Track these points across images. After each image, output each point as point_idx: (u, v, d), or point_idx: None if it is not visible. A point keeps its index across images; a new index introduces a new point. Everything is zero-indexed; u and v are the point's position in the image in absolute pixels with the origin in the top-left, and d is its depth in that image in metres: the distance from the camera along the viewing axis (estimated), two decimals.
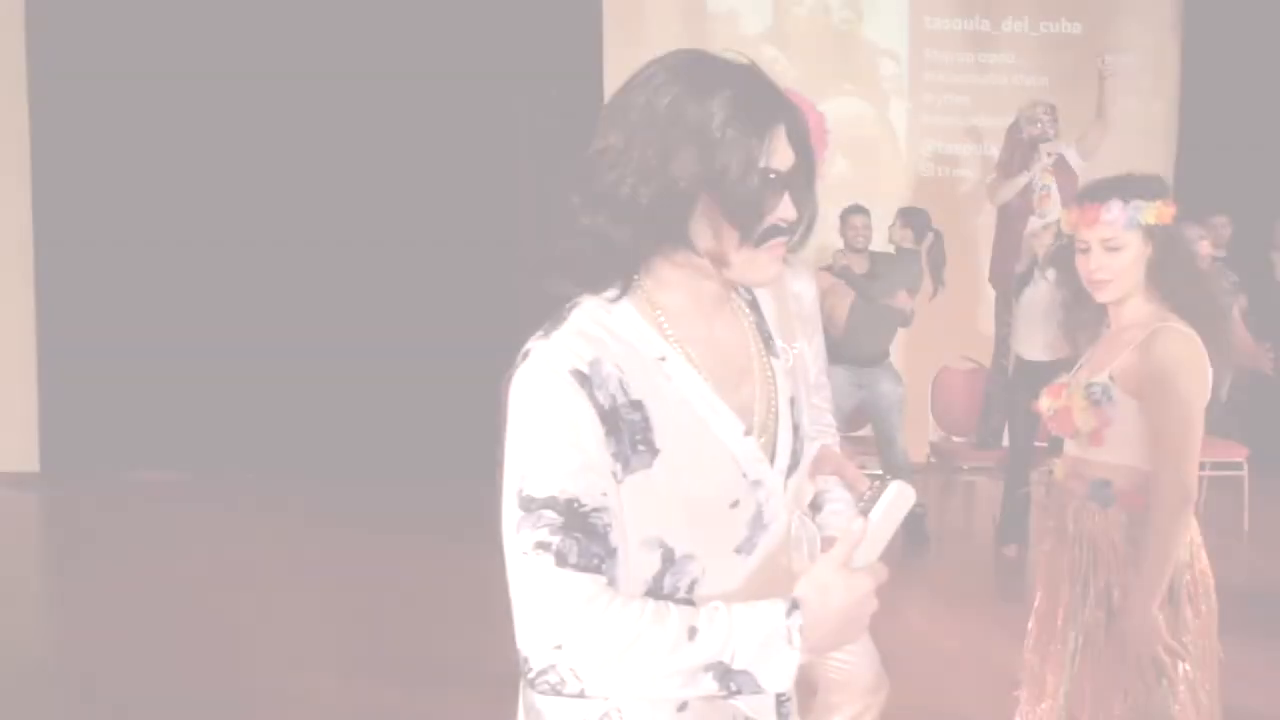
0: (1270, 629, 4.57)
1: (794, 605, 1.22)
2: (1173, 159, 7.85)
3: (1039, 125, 6.33)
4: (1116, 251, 2.39)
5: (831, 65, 7.81)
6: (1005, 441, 6.11)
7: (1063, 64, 7.85)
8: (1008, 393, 5.99)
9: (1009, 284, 6.22)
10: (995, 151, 7.42)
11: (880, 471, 6.07)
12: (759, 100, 1.27)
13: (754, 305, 1.47)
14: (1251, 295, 6.93)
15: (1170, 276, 2.41)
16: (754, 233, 1.27)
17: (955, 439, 6.49)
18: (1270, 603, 4.91)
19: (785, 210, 1.29)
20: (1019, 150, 6.43)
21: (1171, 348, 2.32)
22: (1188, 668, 2.29)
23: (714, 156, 1.23)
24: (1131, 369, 2.37)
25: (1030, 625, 2.58)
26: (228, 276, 7.32)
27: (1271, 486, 6.74)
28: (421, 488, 6.85)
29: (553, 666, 1.20)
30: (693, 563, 1.30)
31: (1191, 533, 2.36)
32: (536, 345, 1.27)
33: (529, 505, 1.21)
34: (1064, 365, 2.69)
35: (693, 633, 1.20)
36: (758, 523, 1.33)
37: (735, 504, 1.31)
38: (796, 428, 1.42)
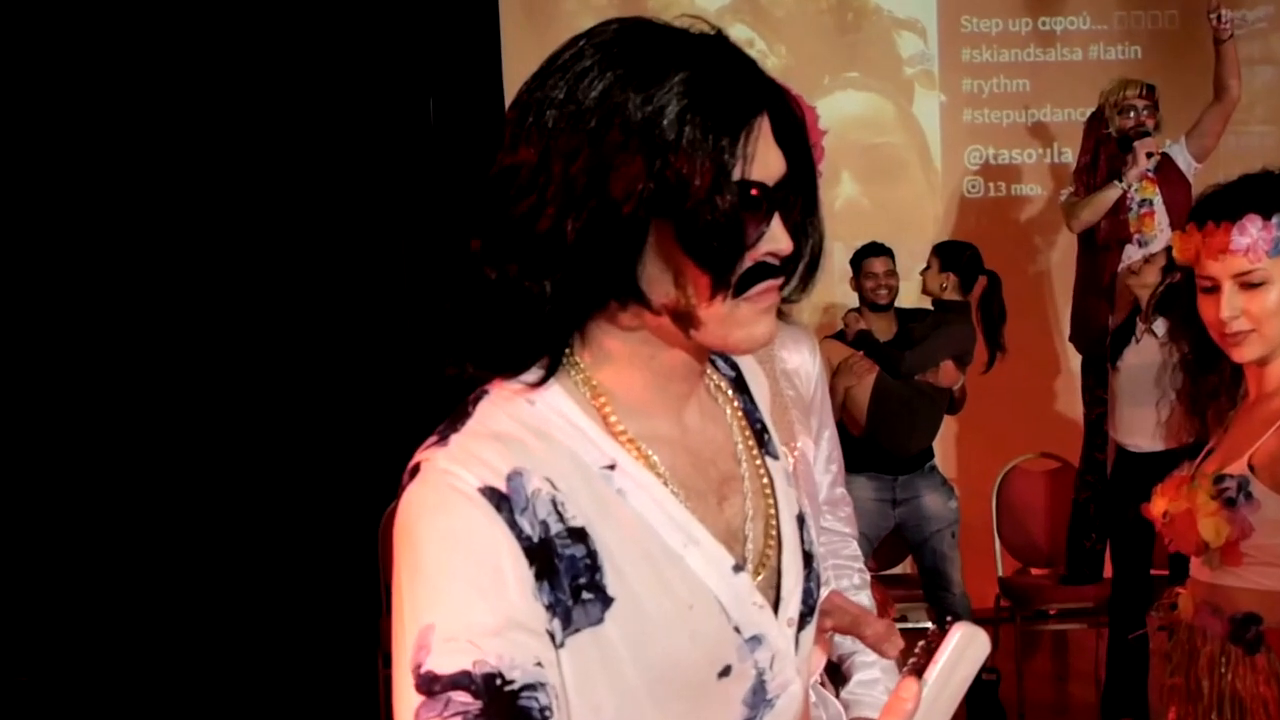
0: None
1: None
2: None
3: (1133, 115, 6.39)
4: (1257, 289, 2.42)
5: (828, 45, 7.98)
6: (1107, 572, 6.15)
7: (1160, 26, 8.03)
8: (1107, 501, 6.04)
9: (1100, 344, 6.29)
10: (1070, 156, 7.56)
11: (928, 624, 6.09)
12: (730, 82, 1.26)
13: (739, 385, 1.49)
14: None
15: None
16: (732, 275, 1.25)
17: (1034, 573, 6.51)
18: None
19: (776, 240, 1.28)
20: (1105, 151, 6.51)
21: None
22: None
23: (668, 167, 1.22)
24: (1278, 454, 2.42)
25: None
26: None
27: None
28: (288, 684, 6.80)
29: None
30: None
31: None
32: (429, 455, 1.26)
33: (431, 686, 1.18)
34: (1184, 455, 2.71)
35: None
36: (759, 698, 1.32)
37: (726, 671, 1.29)
38: (809, 558, 1.43)
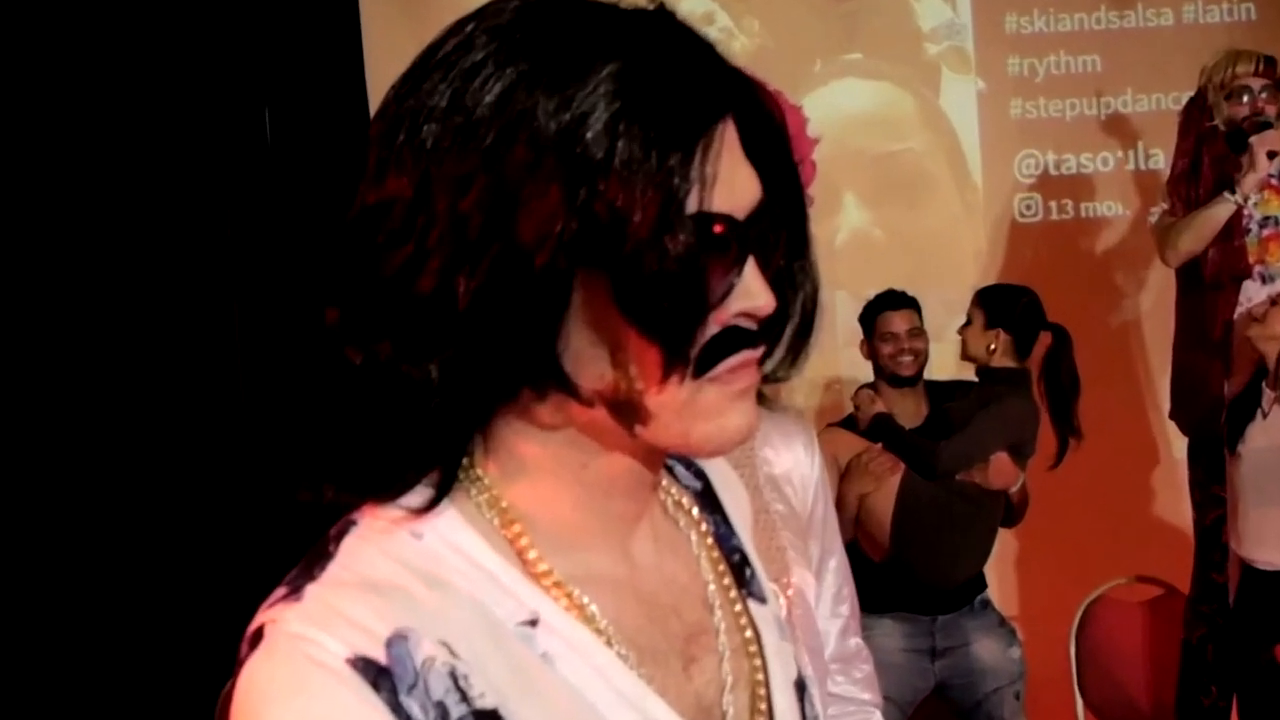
0: None
1: None
2: None
3: (1247, 100, 6.46)
4: None
5: (819, 18, 8.06)
6: None
7: None
8: (1230, 639, 6.05)
9: (1215, 420, 6.32)
10: (1162, 160, 7.63)
11: None
12: (679, 79, 1.22)
13: (708, 501, 1.49)
14: None
15: None
16: (690, 346, 1.22)
17: None
18: None
19: (751, 295, 1.25)
20: (1210, 153, 6.56)
21: None
22: None
23: (596, 198, 1.17)
24: None
25: None
26: None
27: None
28: None
29: None
30: None
31: None
32: (277, 617, 1.23)
33: None
34: None
35: None
36: None
37: None
38: None
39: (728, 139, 1.23)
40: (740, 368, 1.26)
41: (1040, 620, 6.55)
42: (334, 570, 1.25)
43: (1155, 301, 7.54)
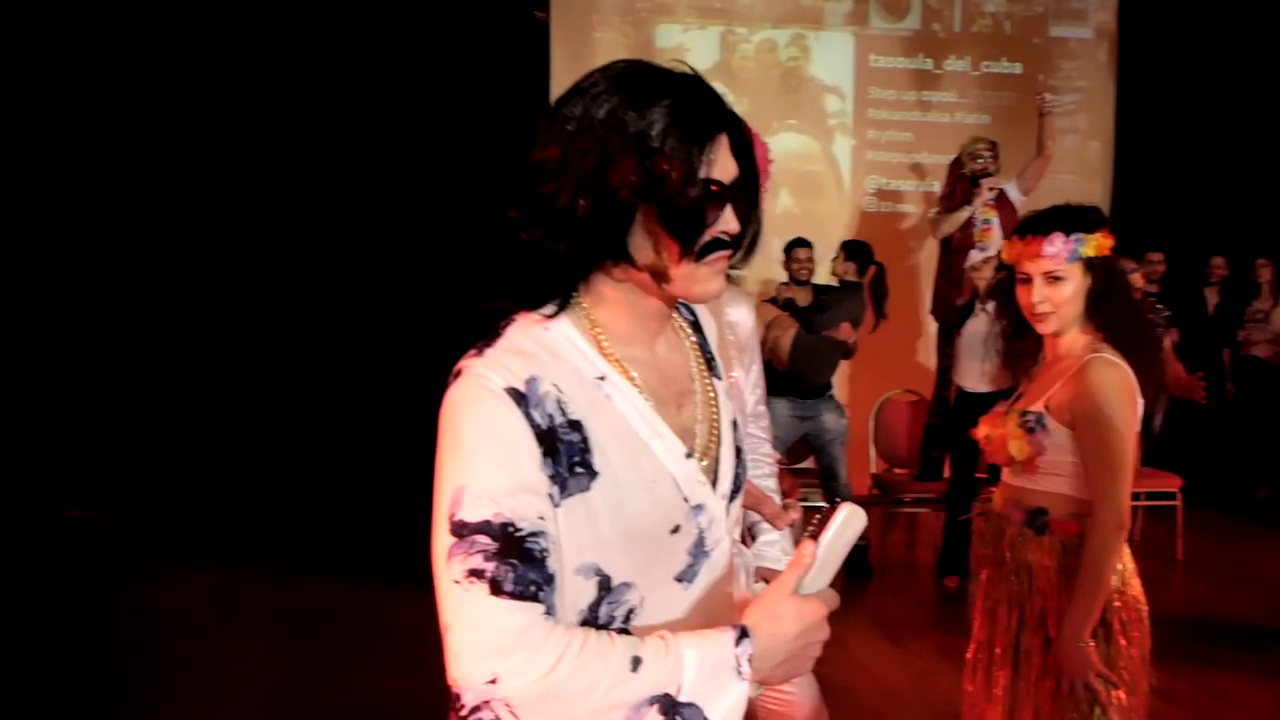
0: (1202, 656, 4.63)
1: (743, 634, 1.18)
2: (1109, 198, 8.02)
3: (981, 161, 6.40)
4: (1058, 283, 2.41)
5: (778, 101, 7.88)
6: (947, 473, 6.14)
7: (1003, 102, 8.01)
8: (949, 424, 6.02)
9: (950, 317, 6.27)
10: (937, 187, 7.52)
11: (823, 504, 6.08)
12: (700, 108, 1.22)
13: (696, 326, 1.44)
14: (1184, 331, 7.09)
15: (1107, 308, 2.43)
16: (695, 245, 1.21)
17: (897, 471, 6.49)
18: (1202, 631, 4.98)
19: (727, 223, 1.23)
20: (961, 185, 6.49)
21: (1103, 377, 2.34)
22: (1121, 695, 2.30)
23: (653, 166, 1.18)
24: (1065, 399, 2.38)
25: (969, 654, 2.58)
26: (146, 316, 7.12)
27: (1204, 516, 6.87)
28: (353, 525, 6.76)
29: (486, 703, 1.13)
30: (630, 591, 1.23)
31: (1124, 560, 2.37)
32: (469, 363, 1.21)
33: (461, 531, 1.14)
34: (1005, 396, 2.70)
35: (637, 664, 1.14)
36: (699, 550, 1.28)
37: (676, 529, 1.25)
38: (739, 451, 1.38)
39: (723, 144, 1.23)
40: (718, 259, 1.25)
41: (857, 407, 6.51)
42: (501, 343, 1.23)
43: (927, 256, 7.43)
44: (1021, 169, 6.63)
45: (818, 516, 1.24)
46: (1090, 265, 2.43)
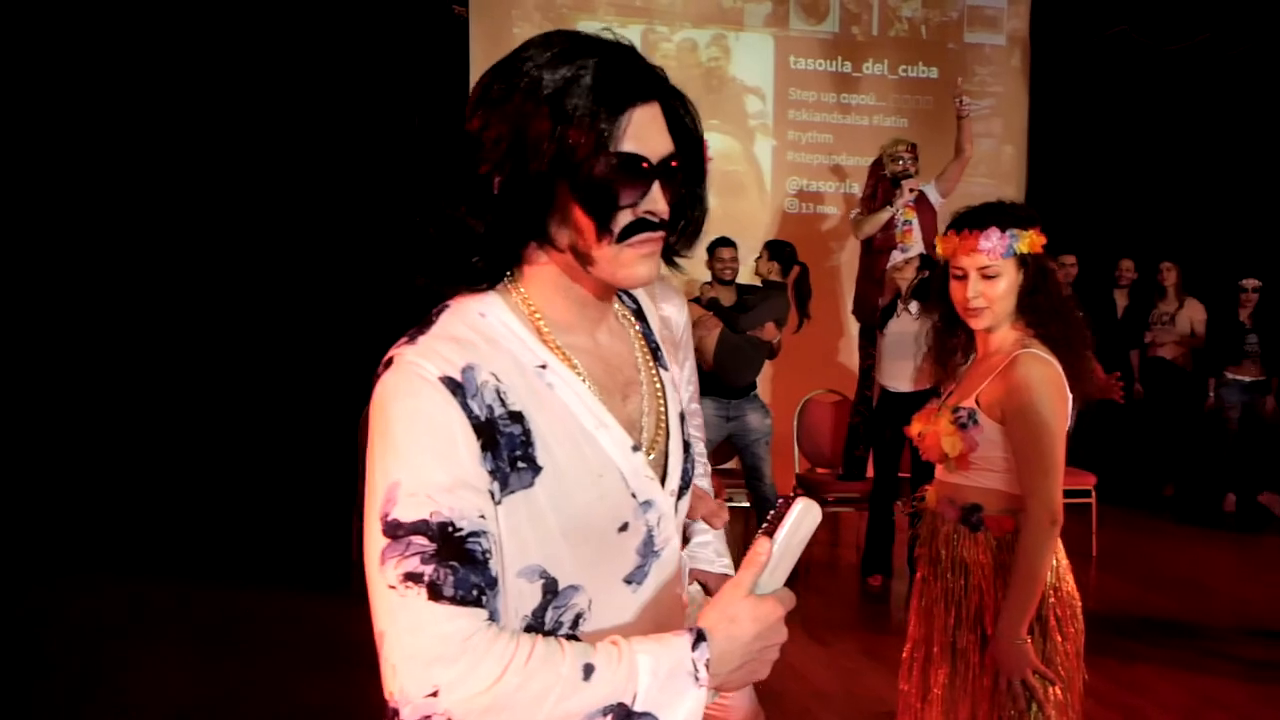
0: (1120, 651, 4.70)
1: (699, 637, 1.12)
2: (1022, 201, 8.13)
3: (901, 162, 6.44)
4: (993, 280, 2.40)
5: (699, 101, 7.40)
6: (870, 473, 6.17)
7: (920, 106, 8.10)
8: (872, 424, 6.05)
9: (873, 317, 6.31)
10: (857, 189, 7.58)
11: (747, 504, 6.07)
12: (623, 75, 1.13)
13: (639, 314, 1.38)
14: (1095, 332, 7.23)
15: (1039, 305, 2.43)
16: (610, 224, 1.13)
17: (820, 471, 6.51)
18: (1119, 626, 5.06)
19: (653, 202, 1.15)
20: (882, 186, 6.54)
21: (1033, 372, 2.34)
22: (1057, 691, 2.29)
23: (565, 135, 1.10)
24: (996, 394, 2.37)
25: (904, 653, 2.56)
26: (59, 325, 6.90)
27: (1115, 513, 7.02)
28: (274, 534, 6.59)
29: (427, 718, 1.05)
30: (578, 594, 1.17)
31: (1058, 555, 2.37)
32: (401, 351, 1.13)
33: (396, 531, 1.06)
34: (927, 395, 2.69)
35: (589, 671, 1.07)
36: (648, 549, 1.22)
37: (624, 528, 1.19)
38: (687, 445, 1.32)
39: (652, 115, 1.15)
40: (646, 241, 1.16)
41: (781, 406, 6.51)
42: (435, 330, 1.16)
43: (849, 257, 7.48)
44: (940, 171, 6.70)
45: (772, 512, 1.18)
46: (1023, 262, 2.43)
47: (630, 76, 1.14)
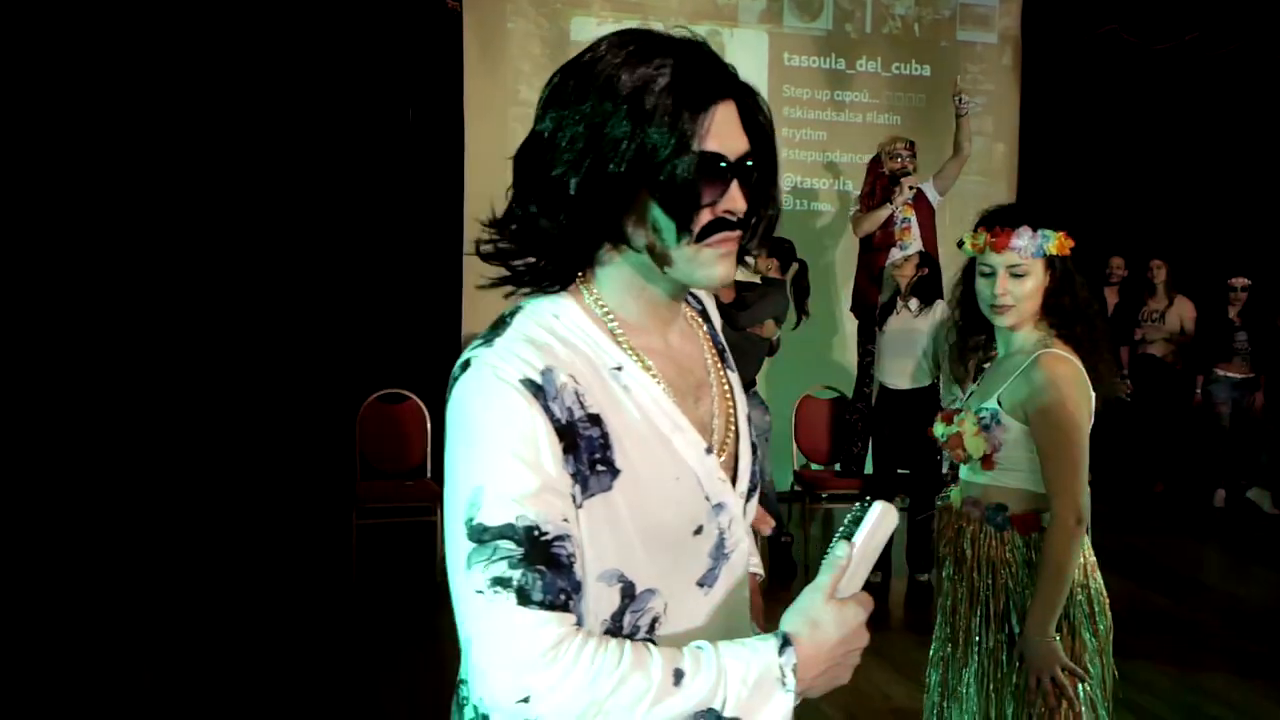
0: (1116, 645, 4.72)
1: (785, 642, 1.11)
2: (1013, 198, 8.18)
3: (899, 160, 6.43)
4: (1021, 278, 2.40)
5: None
6: (868, 469, 6.18)
7: (913, 104, 8.11)
8: (870, 420, 6.07)
9: (870, 314, 6.32)
10: (851, 186, 7.58)
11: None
12: (701, 74, 1.12)
13: (705, 316, 1.37)
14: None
15: (1063, 307, 2.44)
16: (691, 224, 1.12)
17: (816, 467, 6.53)
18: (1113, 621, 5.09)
19: (732, 201, 1.14)
20: (881, 184, 6.52)
21: (1057, 371, 2.34)
22: (1088, 688, 2.30)
23: (646, 134, 1.09)
24: (1018, 394, 2.38)
25: (932, 652, 2.57)
26: None
27: (1105, 510, 7.05)
28: (279, 534, 6.54)
29: None
30: (654, 598, 1.16)
31: (1086, 553, 2.38)
32: (479, 353, 1.12)
33: (481, 536, 1.05)
34: (926, 393, 2.68)
35: (678, 677, 1.06)
36: (720, 551, 1.22)
37: (698, 530, 1.18)
38: (754, 447, 1.32)
39: (729, 114, 1.14)
40: (723, 240, 1.15)
41: (778, 403, 6.49)
42: (510, 332, 1.14)
43: (845, 253, 7.48)
44: (938, 169, 6.71)
45: (850, 515, 1.18)
46: (1051, 263, 2.44)
47: (709, 74, 1.13)
